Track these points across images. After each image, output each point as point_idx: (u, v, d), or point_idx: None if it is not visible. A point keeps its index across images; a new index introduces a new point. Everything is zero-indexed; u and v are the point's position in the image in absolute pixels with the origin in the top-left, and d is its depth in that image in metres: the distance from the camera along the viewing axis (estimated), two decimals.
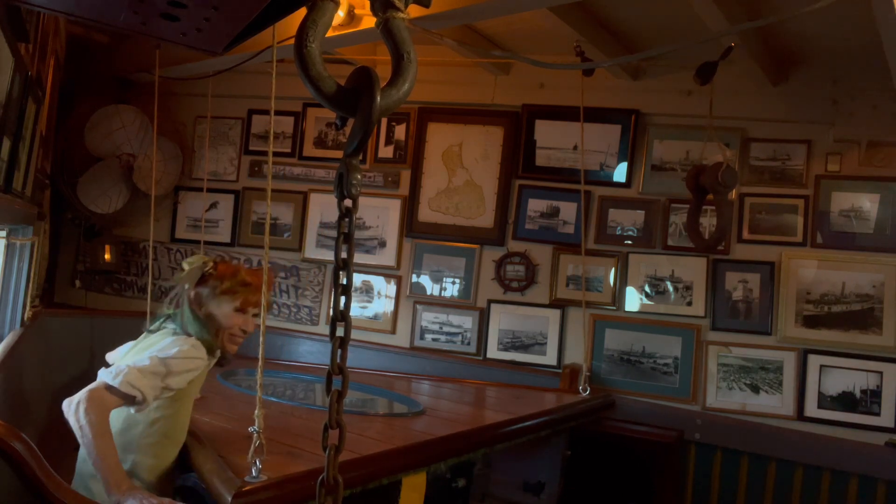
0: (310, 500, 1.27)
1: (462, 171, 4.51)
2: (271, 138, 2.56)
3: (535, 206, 4.36)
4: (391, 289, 4.61)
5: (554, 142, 4.34)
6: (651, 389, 4.05)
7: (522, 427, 3.18)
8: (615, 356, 4.13)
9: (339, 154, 4.75)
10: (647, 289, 4.13)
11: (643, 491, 3.85)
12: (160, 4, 1.21)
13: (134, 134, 4.72)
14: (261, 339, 2.21)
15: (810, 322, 3.83)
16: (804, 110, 3.90)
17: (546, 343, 4.26)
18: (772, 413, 3.84)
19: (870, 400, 3.69)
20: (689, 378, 3.98)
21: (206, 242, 4.88)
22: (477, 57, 4.08)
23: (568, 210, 4.29)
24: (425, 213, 4.57)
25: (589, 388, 3.91)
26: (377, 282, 4.65)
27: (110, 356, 2.51)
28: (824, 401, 3.77)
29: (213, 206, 4.97)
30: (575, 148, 4.26)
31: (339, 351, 1.24)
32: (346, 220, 1.24)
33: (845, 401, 3.73)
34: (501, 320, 4.36)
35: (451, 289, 4.48)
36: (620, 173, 4.22)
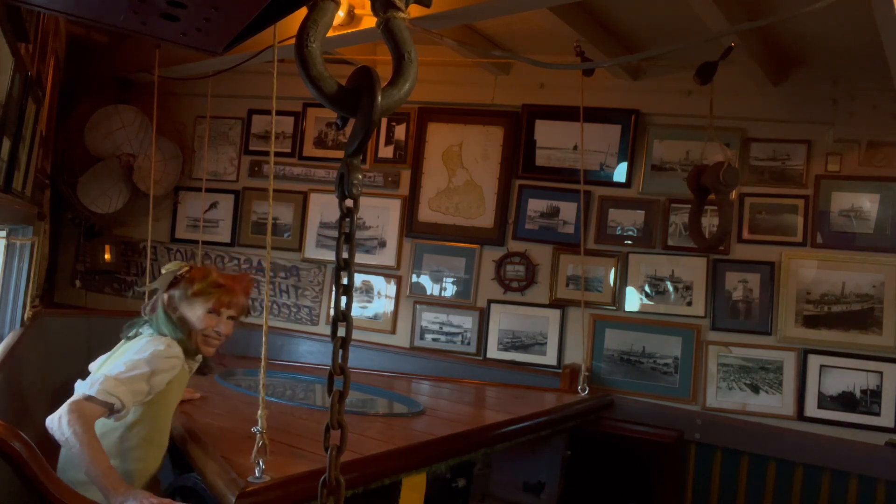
0: (314, 501, 1.27)
1: (462, 171, 4.51)
2: (273, 138, 2.56)
3: (535, 206, 4.36)
4: (391, 289, 4.61)
5: (554, 142, 4.34)
6: (651, 389, 4.05)
7: (522, 427, 3.18)
8: (615, 356, 4.13)
9: (339, 154, 4.75)
10: (647, 289, 4.13)
11: (643, 491, 3.85)
12: (160, 4, 1.21)
13: (134, 134, 4.72)
14: (263, 339, 2.21)
15: (810, 322, 3.83)
16: (804, 110, 3.90)
17: (546, 343, 4.26)
18: (772, 413, 3.84)
19: (870, 400, 3.69)
20: (689, 378, 3.98)
21: (206, 242, 4.88)
22: (477, 57, 4.08)
23: (568, 210, 4.29)
24: (425, 213, 4.57)
25: (588, 388, 3.91)
26: (377, 282, 4.65)
27: (91, 366, 2.51)
28: (824, 401, 3.77)
29: (213, 206, 4.97)
30: (575, 148, 4.26)
31: (341, 351, 1.24)
32: (348, 220, 1.24)
33: (845, 401, 3.73)
34: (501, 320, 4.36)
35: (451, 289, 4.48)
36: (620, 173, 4.22)
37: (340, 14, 3.33)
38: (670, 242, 4.11)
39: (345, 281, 1.24)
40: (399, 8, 1.23)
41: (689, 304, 4.04)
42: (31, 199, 3.40)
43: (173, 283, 2.44)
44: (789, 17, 2.94)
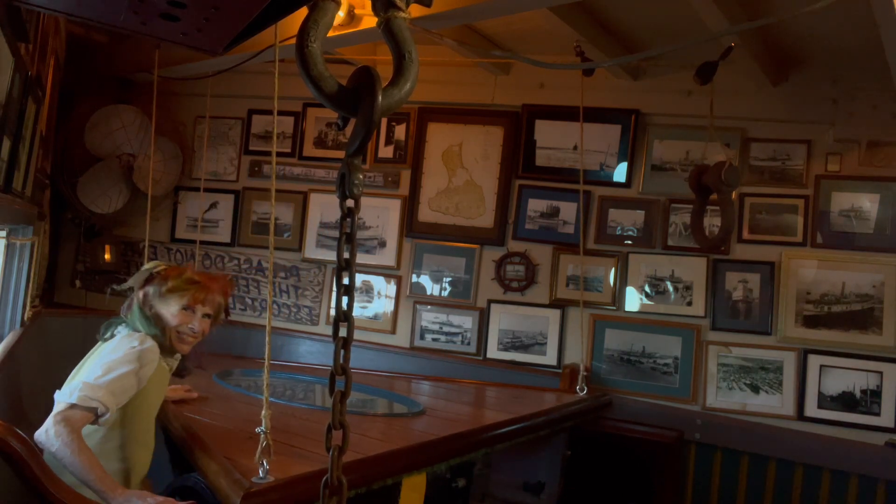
0: (318, 501, 1.27)
1: (462, 171, 4.51)
2: (275, 138, 2.56)
3: (535, 206, 4.36)
4: (391, 289, 4.61)
5: (554, 142, 4.34)
6: (651, 389, 4.05)
7: (522, 427, 3.18)
8: (615, 356, 4.13)
9: (339, 154, 4.77)
10: (647, 289, 4.13)
11: (643, 491, 3.85)
12: (160, 4, 1.21)
13: (134, 134, 4.72)
14: (266, 339, 2.21)
15: (810, 322, 3.83)
16: (804, 110, 3.90)
17: (546, 343, 4.26)
18: (772, 413, 3.84)
19: (870, 400, 3.69)
20: (689, 378, 3.98)
21: (206, 243, 4.88)
22: (477, 57, 4.08)
23: (568, 210, 4.29)
24: (425, 213, 4.57)
25: (587, 388, 3.91)
26: (377, 282, 4.65)
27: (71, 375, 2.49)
28: (824, 401, 3.77)
29: (213, 206, 4.97)
30: (575, 148, 4.26)
31: (342, 351, 1.24)
32: (349, 220, 1.24)
33: (845, 401, 3.73)
34: (501, 320, 4.36)
35: (451, 289, 4.48)
36: (620, 173, 4.22)
37: (341, 14, 3.33)
38: (670, 242, 4.11)
39: (346, 281, 1.24)
40: (400, 8, 1.23)
41: (689, 304, 4.04)
42: (31, 199, 3.40)
43: (148, 280, 2.44)
44: (789, 17, 2.94)
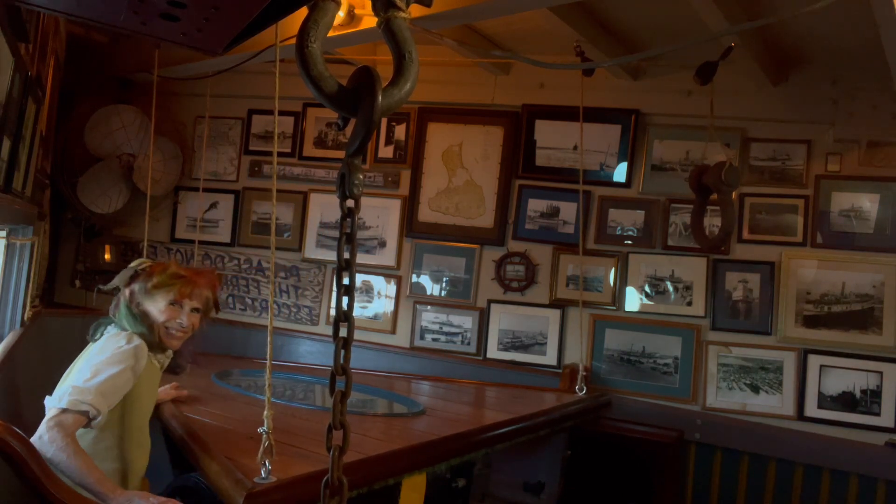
0: (320, 501, 1.26)
1: (462, 171, 4.51)
2: (276, 138, 2.56)
3: (535, 206, 4.36)
4: (391, 289, 4.61)
5: (554, 142, 4.34)
6: (651, 389, 4.05)
7: (521, 427, 3.18)
8: (615, 356, 4.13)
9: (339, 154, 4.77)
10: (647, 289, 4.13)
11: (643, 491, 3.85)
12: (160, 4, 1.21)
13: (134, 134, 4.72)
14: (268, 339, 2.21)
15: (810, 322, 3.83)
16: (804, 110, 3.90)
17: (546, 343, 4.26)
18: (772, 413, 3.84)
19: (870, 400, 3.69)
20: (689, 378, 3.98)
21: (206, 243, 4.88)
22: (477, 57, 4.08)
23: (568, 210, 4.29)
24: (425, 213, 4.57)
25: (586, 388, 3.91)
26: (377, 282, 4.65)
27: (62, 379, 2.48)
28: (824, 401, 3.77)
29: (213, 206, 4.97)
30: (575, 148, 4.26)
31: (343, 352, 1.24)
32: (349, 220, 1.24)
33: (845, 401, 3.73)
34: (501, 320, 4.36)
35: (451, 289, 4.48)
36: (620, 173, 4.22)
37: (341, 14, 3.33)
38: (670, 242, 4.11)
39: (346, 281, 1.24)
40: (400, 8, 1.23)
41: (689, 304, 4.04)
42: (31, 199, 3.40)
43: (133, 278, 2.43)
44: (789, 17, 2.94)
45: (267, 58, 3.53)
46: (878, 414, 3.68)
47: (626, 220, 4.20)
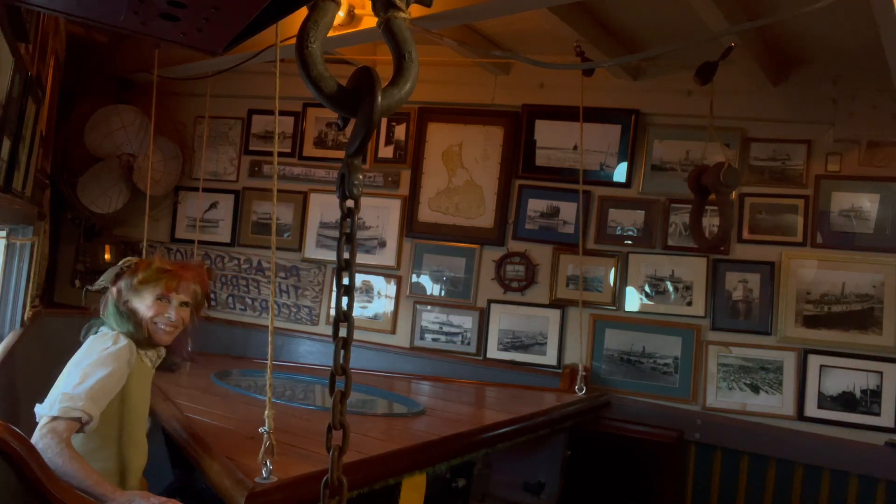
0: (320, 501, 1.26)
1: (462, 171, 4.51)
2: (276, 138, 2.55)
3: (535, 206, 4.36)
4: (391, 289, 4.61)
5: (554, 142, 4.34)
6: (651, 389, 4.05)
7: (520, 427, 3.18)
8: (615, 356, 4.13)
9: (339, 154, 4.76)
10: (647, 289, 4.13)
11: (643, 491, 3.85)
12: (160, 4, 1.21)
13: (134, 134, 4.72)
14: (269, 339, 2.20)
15: (810, 322, 3.83)
16: (804, 110, 3.90)
17: (546, 343, 4.26)
18: (772, 413, 3.84)
19: (870, 400, 3.69)
20: (689, 378, 3.98)
21: (206, 242, 4.88)
22: (477, 57, 4.08)
23: (568, 210, 4.29)
24: (425, 213, 4.57)
25: (585, 388, 3.91)
26: (377, 282, 4.65)
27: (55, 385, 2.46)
28: (824, 401, 3.77)
29: (213, 206, 4.98)
30: (575, 148, 4.26)
31: (342, 351, 1.24)
32: (349, 220, 1.24)
33: (845, 401, 3.73)
34: (501, 320, 4.36)
35: (451, 289, 4.48)
36: (620, 173, 4.22)
37: (341, 14, 3.33)
38: (670, 242, 4.11)
39: (346, 281, 1.24)
40: (400, 8, 1.23)
41: (689, 304, 4.04)
42: (31, 199, 3.40)
43: (120, 275, 2.42)
44: (789, 17, 2.94)
45: (267, 58, 3.53)
46: (878, 414, 3.68)
47: (626, 220, 4.19)
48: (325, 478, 1.26)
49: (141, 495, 2.02)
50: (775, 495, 3.80)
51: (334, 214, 4.66)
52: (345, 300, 1.23)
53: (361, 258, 4.60)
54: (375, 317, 4.63)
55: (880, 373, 3.69)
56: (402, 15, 1.23)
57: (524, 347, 4.30)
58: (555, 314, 4.26)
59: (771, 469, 3.81)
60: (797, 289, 3.86)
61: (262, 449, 2.00)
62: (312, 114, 4.82)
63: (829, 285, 3.82)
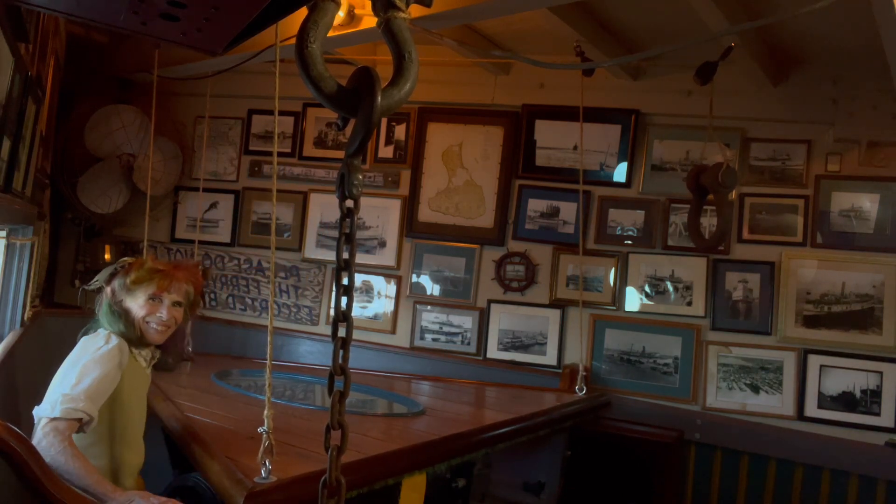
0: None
1: (462, 171, 4.51)
2: (276, 138, 2.56)
3: (535, 206, 4.36)
4: (391, 289, 4.61)
5: (554, 142, 4.34)
6: (651, 389, 4.05)
7: (521, 427, 3.18)
8: (615, 356, 4.13)
9: (339, 154, 4.76)
10: (647, 289, 4.13)
11: (643, 491, 3.85)
12: (160, 4, 1.21)
13: (134, 134, 4.72)
14: (268, 339, 2.21)
15: (810, 322, 3.83)
16: (804, 110, 3.89)
17: (546, 343, 4.26)
18: (772, 413, 3.84)
19: (870, 400, 3.69)
20: (689, 378, 3.98)
21: (206, 243, 4.88)
22: (477, 57, 4.08)
23: (568, 210, 4.29)
24: (425, 213, 4.57)
25: (585, 388, 3.91)
26: (377, 282, 4.65)
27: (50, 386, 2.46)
28: (824, 401, 3.77)
29: (213, 206, 4.98)
30: (575, 148, 4.26)
31: (341, 351, 1.24)
32: (348, 220, 1.24)
33: (845, 401, 3.73)
34: (501, 320, 4.36)
35: (452, 289, 4.48)
36: (620, 173, 4.22)
37: (340, 14, 3.33)
38: (670, 242, 4.11)
39: (345, 281, 1.24)
40: (400, 8, 1.23)
41: (689, 304, 4.04)
42: (31, 199, 3.40)
43: (114, 275, 2.43)
44: (789, 17, 2.94)
45: (267, 58, 3.53)
46: (878, 414, 3.68)
47: (626, 220, 4.19)
48: (323, 478, 1.26)
49: (141, 495, 2.02)
50: (775, 495, 3.80)
51: (334, 214, 4.66)
52: (344, 300, 1.23)
53: (361, 258, 4.60)
54: (375, 317, 4.63)
55: (880, 373, 3.69)
56: (402, 15, 1.23)
57: (524, 347, 4.30)
58: (555, 314, 4.26)
59: (771, 469, 3.81)
60: (797, 289, 3.86)
61: (261, 449, 2.00)
62: (312, 114, 4.83)
63: (829, 285, 3.82)
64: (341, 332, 1.24)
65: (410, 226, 4.58)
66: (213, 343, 4.50)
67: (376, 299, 4.64)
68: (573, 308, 4.20)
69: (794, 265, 3.88)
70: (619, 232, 4.20)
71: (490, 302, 4.39)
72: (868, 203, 3.80)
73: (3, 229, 3.49)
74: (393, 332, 4.57)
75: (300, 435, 2.52)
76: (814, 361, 3.80)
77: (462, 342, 4.41)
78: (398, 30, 1.23)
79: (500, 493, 3.67)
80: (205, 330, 4.41)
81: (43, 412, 2.12)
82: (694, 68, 3.51)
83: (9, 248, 3.66)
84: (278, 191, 4.76)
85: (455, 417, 3.33)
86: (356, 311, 4.53)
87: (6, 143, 2.52)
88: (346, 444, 1.26)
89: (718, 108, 3.55)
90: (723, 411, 3.92)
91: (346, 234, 1.24)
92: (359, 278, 4.66)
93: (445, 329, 4.45)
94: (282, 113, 4.81)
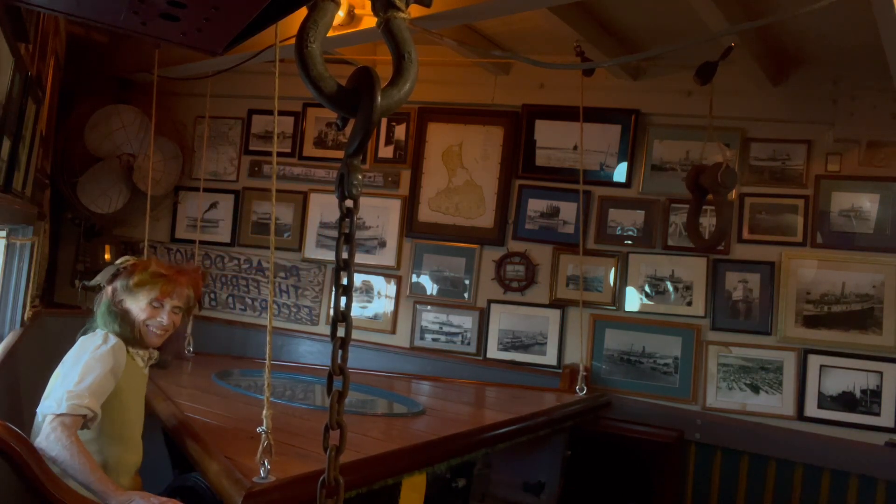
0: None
1: (462, 171, 4.51)
2: (276, 138, 2.56)
3: (535, 206, 4.36)
4: (391, 289, 4.61)
5: (554, 142, 4.34)
6: (651, 389, 4.05)
7: (521, 427, 3.18)
8: (615, 356, 4.13)
9: (339, 154, 4.75)
10: (647, 289, 4.13)
11: (643, 491, 3.85)
12: (160, 4, 1.21)
13: (134, 134, 4.72)
14: (268, 338, 2.21)
15: (810, 322, 3.83)
16: (804, 110, 3.89)
17: (546, 343, 4.26)
18: (772, 413, 3.84)
19: (870, 400, 3.69)
20: (689, 378, 3.98)
21: (206, 243, 4.88)
22: (477, 57, 4.08)
23: (568, 210, 4.29)
24: (425, 213, 4.57)
25: (586, 388, 3.91)
26: (377, 282, 4.65)
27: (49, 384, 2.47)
28: (824, 401, 3.77)
29: (213, 206, 4.98)
30: (575, 148, 4.26)
31: (340, 351, 1.24)
32: (348, 220, 1.24)
33: (845, 401, 3.73)
34: (501, 320, 4.36)
35: (452, 289, 4.48)
36: (620, 173, 4.22)
37: (340, 14, 3.33)
38: (670, 242, 4.11)
39: (345, 281, 1.24)
40: (399, 8, 1.23)
41: (689, 304, 4.04)
42: (31, 199, 3.40)
43: (116, 276, 2.43)
44: (789, 17, 2.94)
45: (267, 58, 3.53)
46: (878, 414, 3.68)
47: (626, 220, 4.19)
48: (321, 478, 1.26)
49: (141, 495, 2.03)
50: (775, 495, 3.80)
51: (334, 214, 4.64)
52: (343, 300, 1.23)
53: (361, 258, 4.60)
54: (375, 317, 4.63)
55: (880, 373, 3.69)
56: (402, 15, 1.23)
57: (524, 347, 4.30)
58: (555, 314, 4.26)
59: (771, 469, 3.81)
60: (797, 289, 3.86)
61: (260, 448, 2.00)
62: (312, 114, 4.83)
63: (829, 285, 3.82)
64: (340, 332, 1.24)
65: (410, 226, 4.58)
66: (213, 343, 4.50)
67: (376, 299, 4.65)
68: (573, 308, 4.20)
69: (794, 265, 3.88)
70: (619, 232, 4.20)
71: (490, 302, 4.39)
72: (868, 203, 3.80)
73: (3, 229, 3.49)
74: (393, 332, 4.57)
75: (299, 435, 2.52)
76: (814, 361, 3.80)
77: (462, 342, 4.41)
78: (398, 30, 1.23)
79: (500, 493, 3.67)
80: (205, 330, 4.42)
81: (48, 409, 2.14)
82: (694, 68, 3.51)
83: (9, 248, 3.66)
84: (278, 191, 4.77)
85: (455, 417, 3.33)
86: (356, 311, 4.55)
87: (6, 143, 2.52)
88: (344, 444, 1.26)
89: (718, 108, 3.55)
90: (723, 411, 3.92)
91: (346, 234, 1.24)
92: (359, 278, 4.66)
93: (445, 329, 4.45)
94: (282, 113, 4.83)
